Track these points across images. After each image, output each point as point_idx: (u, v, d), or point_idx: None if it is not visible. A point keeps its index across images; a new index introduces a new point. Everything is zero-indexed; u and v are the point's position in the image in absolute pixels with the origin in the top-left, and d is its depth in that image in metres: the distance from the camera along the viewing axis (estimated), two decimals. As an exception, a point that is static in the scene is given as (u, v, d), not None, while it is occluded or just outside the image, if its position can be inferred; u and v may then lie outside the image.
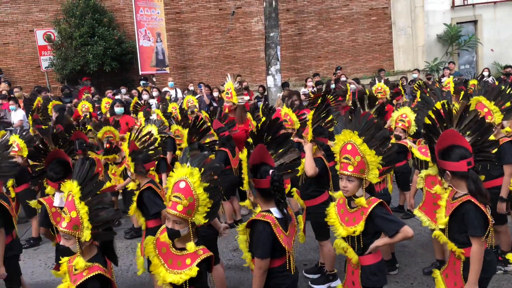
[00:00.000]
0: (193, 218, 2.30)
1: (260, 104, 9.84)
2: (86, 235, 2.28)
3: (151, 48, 13.12)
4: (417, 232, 5.39)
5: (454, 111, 2.91)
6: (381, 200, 2.63)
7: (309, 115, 3.89)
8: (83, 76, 12.11)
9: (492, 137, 2.99)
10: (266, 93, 12.68)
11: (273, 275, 2.54)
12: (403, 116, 4.99)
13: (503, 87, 4.33)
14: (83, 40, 12.50)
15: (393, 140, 5.00)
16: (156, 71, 13.46)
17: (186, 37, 14.93)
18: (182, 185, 2.27)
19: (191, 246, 2.34)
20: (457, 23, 15.61)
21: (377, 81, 7.90)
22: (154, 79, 13.57)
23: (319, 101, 4.10)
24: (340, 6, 15.53)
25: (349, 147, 2.61)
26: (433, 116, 2.86)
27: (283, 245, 2.47)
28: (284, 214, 2.54)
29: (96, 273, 2.31)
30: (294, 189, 4.21)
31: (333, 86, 10.43)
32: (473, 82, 6.92)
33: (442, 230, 2.74)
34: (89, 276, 2.30)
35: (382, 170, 2.64)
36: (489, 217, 2.56)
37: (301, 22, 15.49)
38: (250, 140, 2.59)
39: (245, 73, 15.27)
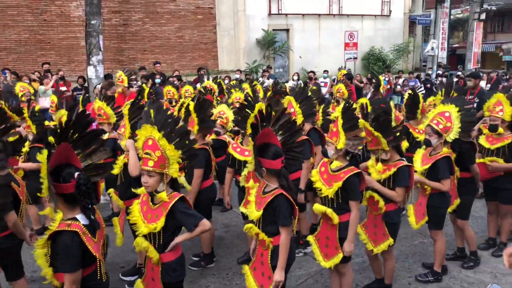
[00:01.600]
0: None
1: (80, 96, 9.12)
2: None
3: None
4: (235, 223, 5.77)
5: (273, 112, 3.21)
6: (182, 195, 2.73)
7: (125, 109, 3.77)
8: None
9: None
10: (86, 85, 11.80)
11: (83, 285, 2.34)
12: (221, 113, 5.25)
13: (310, 93, 4.97)
14: None
15: (213, 136, 5.24)
16: None
17: (-14, 15, 12.79)
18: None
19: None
20: (273, 29, 17.15)
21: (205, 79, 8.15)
22: None
23: (138, 96, 4.01)
24: (167, 0, 15.42)
25: (149, 142, 2.66)
26: (257, 116, 3.10)
27: (93, 253, 2.32)
28: (92, 220, 2.37)
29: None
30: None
31: (158, 80, 10.32)
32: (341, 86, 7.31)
33: (253, 221, 3.00)
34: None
35: (182, 165, 2.76)
36: (296, 207, 2.90)
37: (127, 12, 14.85)
38: (51, 139, 2.31)
39: (62, 61, 13.91)
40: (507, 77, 17.53)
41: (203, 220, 2.66)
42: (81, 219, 2.32)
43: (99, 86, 8.58)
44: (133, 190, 3.14)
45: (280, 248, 2.82)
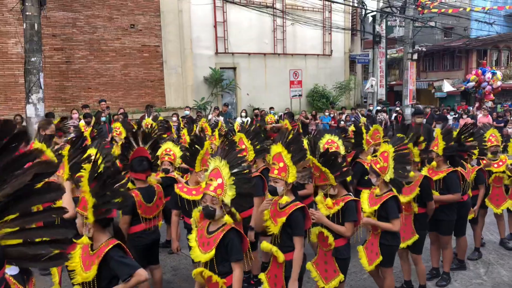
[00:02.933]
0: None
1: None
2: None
3: None
4: (183, 266, 5.58)
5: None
6: (118, 241, 2.62)
7: (65, 151, 3.61)
8: None
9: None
10: (24, 123, 11.24)
11: None
12: (167, 151, 5.20)
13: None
14: None
15: (162, 174, 5.13)
16: None
17: None
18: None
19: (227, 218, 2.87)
20: (220, 68, 17.44)
21: (146, 116, 8.04)
22: None
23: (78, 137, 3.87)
24: (113, 39, 15.29)
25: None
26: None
27: None
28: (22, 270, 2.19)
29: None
30: None
31: (103, 119, 10.06)
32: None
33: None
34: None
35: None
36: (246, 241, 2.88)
37: (69, 50, 14.52)
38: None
39: (0, 99, 13.26)
40: (440, 112, 18.82)
41: (139, 270, 2.53)
42: (12, 270, 2.13)
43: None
44: (74, 240, 2.98)
45: (234, 286, 2.76)
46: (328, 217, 3.64)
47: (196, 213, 3.88)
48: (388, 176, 3.84)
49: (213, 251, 2.80)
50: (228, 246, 2.78)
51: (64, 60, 14.45)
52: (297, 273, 3.24)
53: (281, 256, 3.24)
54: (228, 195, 2.86)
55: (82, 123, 9.17)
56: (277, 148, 3.30)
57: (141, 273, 2.53)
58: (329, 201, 3.63)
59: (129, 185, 4.05)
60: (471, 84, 23.42)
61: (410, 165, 4.04)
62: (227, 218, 2.88)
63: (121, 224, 3.94)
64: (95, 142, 4.35)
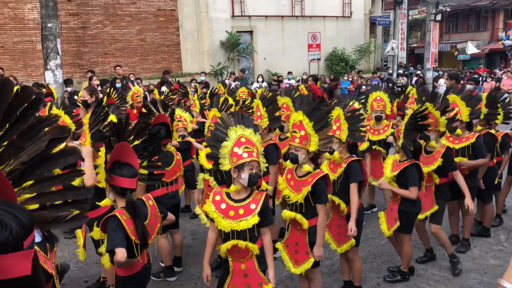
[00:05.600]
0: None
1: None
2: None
3: None
4: (203, 230, 5.66)
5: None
6: (115, 213, 2.66)
7: (85, 119, 3.61)
8: None
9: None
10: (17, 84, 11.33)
11: None
12: (178, 117, 5.23)
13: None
14: None
15: (179, 139, 5.15)
16: None
17: None
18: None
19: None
20: (237, 31, 17.11)
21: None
22: None
23: (97, 105, 3.85)
24: (128, 3, 15.07)
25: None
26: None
27: (49, 271, 2.17)
28: (45, 235, 2.22)
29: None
30: None
31: (118, 85, 10.06)
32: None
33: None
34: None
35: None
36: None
37: (85, 15, 14.40)
38: None
39: (18, 66, 13.32)
40: (463, 75, 18.25)
41: (118, 249, 2.53)
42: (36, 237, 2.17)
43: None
44: (96, 202, 3.03)
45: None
46: (334, 181, 3.68)
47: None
48: (343, 136, 3.67)
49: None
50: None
51: (80, 25, 14.36)
52: (322, 239, 3.27)
53: (305, 223, 3.24)
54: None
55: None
56: (298, 116, 3.23)
57: (118, 253, 2.52)
58: (336, 154, 3.71)
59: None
60: (509, 42, 22.16)
61: (362, 123, 3.92)
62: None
63: (138, 190, 4.01)
64: (112, 107, 4.32)
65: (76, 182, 3.81)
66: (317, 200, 3.23)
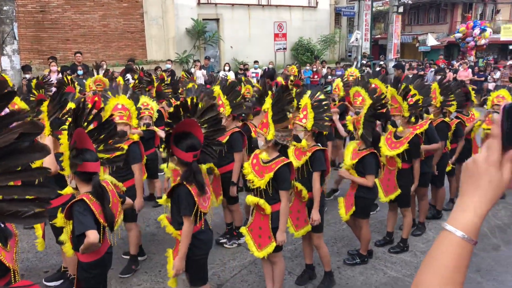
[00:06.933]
0: None
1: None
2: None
3: None
4: (167, 218, 5.64)
5: (200, 104, 3.19)
6: (82, 197, 2.64)
7: (43, 106, 3.52)
8: None
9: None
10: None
11: None
12: (144, 105, 5.19)
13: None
14: None
15: (143, 128, 5.11)
16: None
17: None
18: None
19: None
20: (203, 19, 16.93)
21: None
22: None
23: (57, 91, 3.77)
24: (89, -13, 14.59)
25: None
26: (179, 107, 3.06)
27: (6, 264, 2.14)
28: (1, 228, 2.18)
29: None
30: None
31: (80, 72, 9.79)
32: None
33: None
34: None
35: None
36: (197, 200, 2.91)
37: (44, -2, 13.84)
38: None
39: (-29, 51, 12.69)
40: (423, 66, 18.85)
41: (89, 231, 2.54)
42: None
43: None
44: (58, 191, 3.02)
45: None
46: (297, 168, 3.77)
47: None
48: (309, 124, 3.77)
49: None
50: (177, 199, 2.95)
51: (39, 9, 13.79)
52: (284, 224, 3.36)
53: (268, 208, 3.32)
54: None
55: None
56: (266, 104, 3.49)
57: (90, 235, 2.52)
58: (304, 143, 3.77)
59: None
60: (459, 35, 23.22)
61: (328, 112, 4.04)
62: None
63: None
64: (70, 95, 4.23)
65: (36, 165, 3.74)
66: (280, 187, 3.32)
